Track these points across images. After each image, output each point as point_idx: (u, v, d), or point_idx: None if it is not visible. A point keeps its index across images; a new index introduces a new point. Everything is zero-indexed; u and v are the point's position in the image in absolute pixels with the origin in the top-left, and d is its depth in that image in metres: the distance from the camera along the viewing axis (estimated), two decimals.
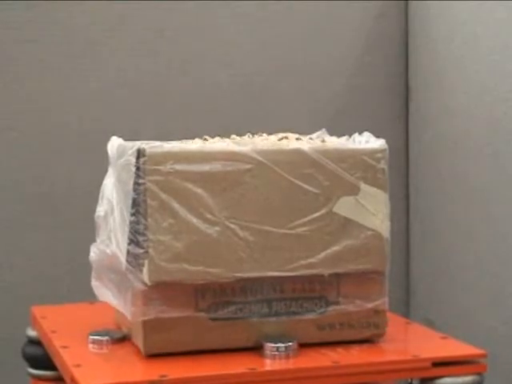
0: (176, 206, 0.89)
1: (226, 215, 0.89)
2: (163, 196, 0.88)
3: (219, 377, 0.85)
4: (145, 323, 0.90)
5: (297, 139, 0.97)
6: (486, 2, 1.40)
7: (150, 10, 1.51)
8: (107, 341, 0.96)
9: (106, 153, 1.02)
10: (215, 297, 0.91)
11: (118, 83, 1.51)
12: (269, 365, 0.89)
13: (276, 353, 0.89)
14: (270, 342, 0.90)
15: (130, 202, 0.90)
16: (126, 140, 1.00)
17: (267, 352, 0.90)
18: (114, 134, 1.04)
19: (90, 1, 1.48)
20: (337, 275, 0.93)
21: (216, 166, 0.90)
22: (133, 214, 0.90)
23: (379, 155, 0.94)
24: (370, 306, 0.93)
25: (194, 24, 1.54)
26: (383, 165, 0.94)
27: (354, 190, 0.93)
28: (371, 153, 0.94)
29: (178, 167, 0.89)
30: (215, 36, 1.55)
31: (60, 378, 0.99)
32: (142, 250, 0.89)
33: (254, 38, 1.57)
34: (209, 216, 0.89)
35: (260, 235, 0.91)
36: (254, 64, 1.57)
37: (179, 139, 1.00)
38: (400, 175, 1.61)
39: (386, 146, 0.95)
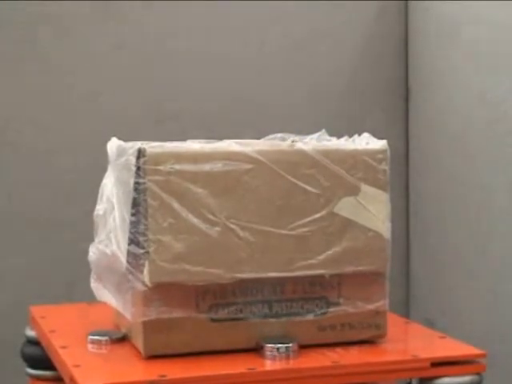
0: (176, 206, 0.89)
1: (227, 215, 0.89)
2: (164, 196, 0.88)
3: (219, 377, 0.85)
4: (145, 324, 0.89)
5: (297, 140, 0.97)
6: (485, 2, 1.40)
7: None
8: (106, 341, 0.96)
9: (106, 152, 1.02)
10: (216, 298, 0.90)
11: (116, 83, 1.51)
12: (269, 365, 0.88)
13: (276, 353, 0.89)
14: (270, 342, 0.90)
15: (131, 201, 0.90)
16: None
17: (267, 353, 0.89)
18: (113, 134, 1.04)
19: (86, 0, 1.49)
20: (337, 276, 0.93)
21: (217, 166, 0.89)
22: (133, 214, 0.90)
23: (380, 156, 0.94)
24: (370, 307, 0.93)
25: (194, 23, 1.54)
26: (384, 166, 0.94)
27: (354, 191, 0.93)
28: (372, 154, 0.94)
29: (179, 167, 0.89)
30: (212, 35, 1.55)
31: (59, 379, 0.99)
32: (142, 251, 0.88)
33: (254, 37, 1.57)
34: (209, 216, 0.89)
35: (260, 236, 0.91)
36: (254, 64, 1.57)
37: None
38: (400, 175, 1.61)
39: (386, 147, 0.94)
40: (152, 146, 0.89)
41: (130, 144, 0.93)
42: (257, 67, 1.57)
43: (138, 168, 0.89)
